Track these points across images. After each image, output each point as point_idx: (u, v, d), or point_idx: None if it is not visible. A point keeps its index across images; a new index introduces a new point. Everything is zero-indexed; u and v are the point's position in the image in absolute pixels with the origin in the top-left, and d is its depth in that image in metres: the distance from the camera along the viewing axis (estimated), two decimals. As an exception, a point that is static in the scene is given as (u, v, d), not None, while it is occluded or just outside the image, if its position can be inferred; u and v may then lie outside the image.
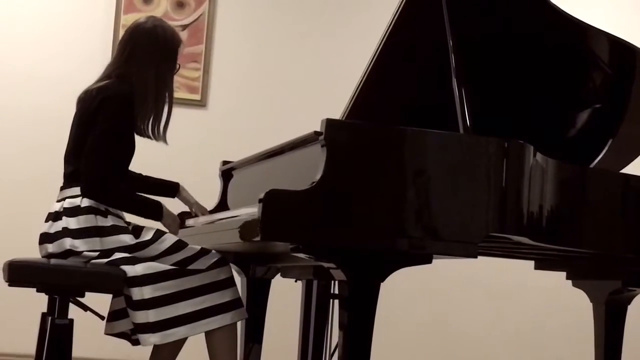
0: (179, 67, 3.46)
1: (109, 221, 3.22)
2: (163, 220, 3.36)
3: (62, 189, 3.33)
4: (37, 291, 3.26)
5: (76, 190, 3.26)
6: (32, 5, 5.56)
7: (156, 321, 3.15)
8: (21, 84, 5.51)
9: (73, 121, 3.39)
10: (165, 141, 3.47)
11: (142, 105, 3.34)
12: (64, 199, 3.27)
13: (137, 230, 3.28)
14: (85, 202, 3.22)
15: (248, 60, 5.79)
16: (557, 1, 3.39)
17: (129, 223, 3.32)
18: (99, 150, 3.23)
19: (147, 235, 3.27)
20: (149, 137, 3.43)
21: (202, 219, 3.62)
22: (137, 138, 3.40)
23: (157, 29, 3.40)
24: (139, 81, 3.34)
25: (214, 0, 5.69)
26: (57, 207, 3.27)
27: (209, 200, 3.88)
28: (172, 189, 3.72)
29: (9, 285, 3.20)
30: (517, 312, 5.97)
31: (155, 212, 3.34)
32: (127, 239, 3.22)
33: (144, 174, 3.68)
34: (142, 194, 3.42)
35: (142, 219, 3.38)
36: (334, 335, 3.63)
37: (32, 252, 3.36)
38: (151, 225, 3.35)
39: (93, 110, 3.28)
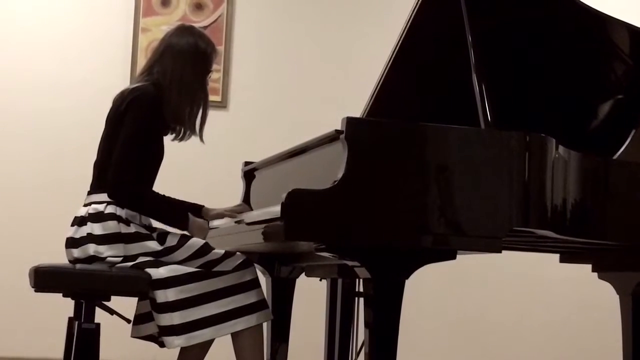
0: (212, 72, 3.48)
1: (131, 228, 3.23)
2: (189, 229, 3.35)
3: (89, 193, 3.34)
4: (64, 296, 3.27)
5: (102, 196, 3.27)
6: (51, 10, 5.59)
7: (181, 323, 3.16)
8: (42, 89, 5.54)
9: (105, 124, 3.41)
10: (202, 138, 3.49)
11: (178, 101, 3.35)
12: (90, 204, 3.28)
13: (162, 237, 3.29)
14: (109, 209, 3.24)
15: (267, 60, 5.80)
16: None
17: (154, 229, 3.33)
18: (125, 155, 3.24)
19: (172, 241, 3.27)
20: (184, 133, 3.44)
21: (225, 221, 3.63)
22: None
23: (188, 31, 3.45)
24: (174, 78, 3.35)
25: (232, 1, 5.70)
26: (82, 211, 3.29)
27: (232, 201, 3.88)
28: (195, 212, 3.57)
29: (36, 290, 3.22)
30: (543, 306, 5.95)
31: (181, 220, 3.32)
32: (153, 244, 3.23)
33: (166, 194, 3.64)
34: (171, 199, 3.36)
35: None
36: (360, 333, 3.64)
37: (58, 255, 3.37)
38: (176, 231, 3.36)
39: (122, 112, 3.30)
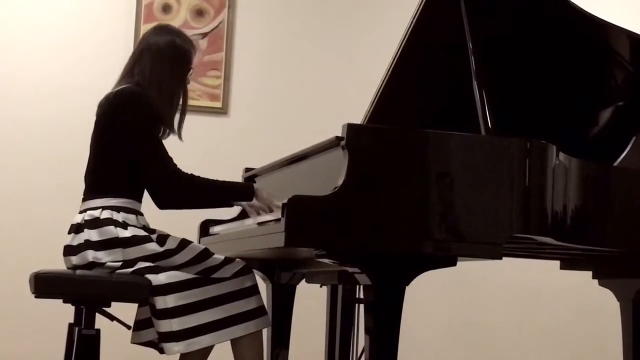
0: (192, 70, 3.48)
1: (129, 232, 3.23)
2: (257, 194, 3.31)
3: (83, 200, 3.34)
4: (64, 302, 3.27)
5: (97, 202, 3.27)
6: (52, 16, 5.59)
7: (180, 330, 3.16)
8: (43, 94, 5.54)
9: (93, 130, 3.41)
10: (180, 136, 3.47)
11: (159, 100, 3.33)
12: (85, 211, 3.28)
13: (161, 239, 3.29)
14: (104, 214, 3.23)
15: (268, 66, 5.80)
16: (577, 0, 3.39)
17: (153, 231, 3.33)
18: (155, 152, 3.26)
19: (172, 244, 3.27)
20: (164, 132, 3.42)
21: (225, 227, 3.63)
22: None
23: (166, 30, 3.47)
24: (153, 77, 3.35)
25: (233, 8, 5.71)
26: (78, 219, 3.29)
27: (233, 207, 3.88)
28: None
29: (36, 297, 3.22)
30: (543, 313, 5.95)
31: (247, 190, 3.32)
32: (152, 246, 3.23)
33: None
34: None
35: (162, 227, 3.38)
36: (360, 339, 3.64)
37: (58, 261, 3.37)
38: (176, 234, 3.36)
39: (110, 116, 3.30)
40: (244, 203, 3.36)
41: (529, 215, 2.83)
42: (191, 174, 3.28)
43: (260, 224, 3.09)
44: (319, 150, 3.05)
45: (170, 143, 3.46)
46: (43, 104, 5.53)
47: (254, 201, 3.30)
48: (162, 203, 3.31)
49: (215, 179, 3.33)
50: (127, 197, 3.29)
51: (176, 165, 3.28)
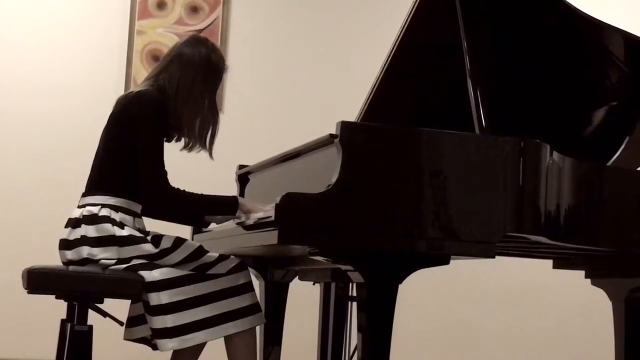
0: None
1: (125, 232, 3.22)
2: (241, 206, 3.30)
3: (84, 195, 3.33)
4: (56, 298, 3.27)
5: (97, 198, 3.26)
6: (47, 12, 5.59)
7: (174, 326, 3.16)
8: (38, 91, 5.53)
9: (105, 125, 3.39)
10: (211, 155, 3.46)
11: (182, 111, 3.32)
12: (84, 206, 3.27)
13: (156, 239, 3.28)
14: (103, 212, 3.23)
15: (263, 64, 5.80)
16: (572, 0, 3.40)
17: (148, 232, 3.32)
18: (152, 165, 3.24)
19: (167, 244, 3.26)
20: (193, 145, 3.41)
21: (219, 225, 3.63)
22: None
23: (202, 43, 3.43)
24: (181, 87, 3.32)
25: (228, 5, 5.71)
26: (77, 213, 3.28)
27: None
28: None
29: (28, 292, 3.21)
30: (535, 312, 5.96)
31: (232, 205, 3.30)
32: (148, 247, 3.22)
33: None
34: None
35: (158, 223, 3.38)
36: (353, 337, 3.64)
37: (52, 257, 3.37)
38: (170, 233, 3.36)
39: (126, 115, 3.28)
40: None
41: (523, 214, 2.83)
42: (177, 190, 3.26)
43: (246, 226, 3.09)
44: (313, 147, 3.05)
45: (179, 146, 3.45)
46: (38, 100, 5.53)
47: (239, 214, 3.30)
48: (147, 214, 3.33)
49: (201, 193, 3.32)
50: (128, 198, 3.27)
51: (167, 181, 3.26)
